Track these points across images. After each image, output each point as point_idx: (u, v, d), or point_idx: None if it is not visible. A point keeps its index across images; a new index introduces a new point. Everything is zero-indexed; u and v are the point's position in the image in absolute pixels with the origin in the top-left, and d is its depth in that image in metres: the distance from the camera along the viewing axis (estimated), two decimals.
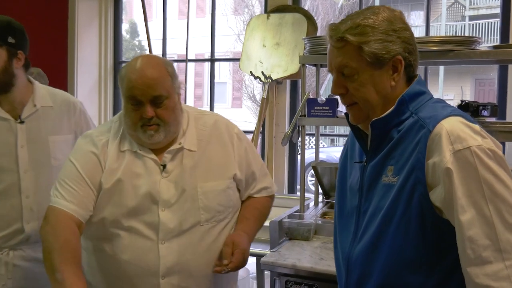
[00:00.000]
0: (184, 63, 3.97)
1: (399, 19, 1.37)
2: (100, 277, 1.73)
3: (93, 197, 1.68)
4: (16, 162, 2.07)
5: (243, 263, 1.71)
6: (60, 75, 3.96)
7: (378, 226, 1.35)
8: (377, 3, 11.85)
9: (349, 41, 1.33)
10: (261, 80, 3.54)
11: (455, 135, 1.23)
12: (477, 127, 1.27)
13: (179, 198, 1.69)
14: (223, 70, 13.93)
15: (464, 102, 2.41)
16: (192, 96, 14.11)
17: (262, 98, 3.50)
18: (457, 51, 2.36)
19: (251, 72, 3.59)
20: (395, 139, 1.35)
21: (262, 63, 3.59)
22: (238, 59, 3.75)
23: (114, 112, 4.32)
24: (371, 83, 1.35)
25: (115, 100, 4.41)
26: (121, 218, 1.68)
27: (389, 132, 1.37)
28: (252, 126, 3.65)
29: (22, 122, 2.09)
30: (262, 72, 3.54)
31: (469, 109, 2.37)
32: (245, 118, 11.02)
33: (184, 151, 1.73)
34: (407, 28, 1.37)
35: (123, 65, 4.46)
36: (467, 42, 2.40)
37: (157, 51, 4.28)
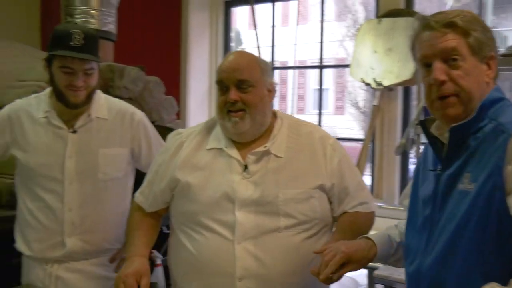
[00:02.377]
0: (286, 70, 3.97)
1: (485, 24, 1.39)
2: (181, 271, 1.76)
3: (164, 192, 1.80)
4: (62, 173, 2.02)
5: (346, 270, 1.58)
6: (173, 83, 4.12)
7: (452, 235, 1.30)
8: (490, 3, 11.19)
9: (458, 26, 1.31)
10: (372, 87, 3.45)
11: None
12: None
13: (257, 201, 1.66)
14: (325, 77, 13.86)
15: None
16: (295, 102, 14.18)
17: (373, 105, 3.40)
18: None
19: (361, 79, 3.50)
20: (473, 146, 1.31)
21: (373, 69, 3.49)
22: (344, 66, 3.68)
23: None
24: (474, 73, 1.32)
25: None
26: (198, 215, 1.69)
27: (467, 140, 1.32)
28: (354, 134, 3.57)
29: (74, 131, 2.03)
30: (374, 79, 3.44)
31: None
32: (347, 125, 10.88)
33: (270, 156, 1.71)
34: (492, 33, 1.38)
35: None
36: None
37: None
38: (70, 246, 2.03)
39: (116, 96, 2.90)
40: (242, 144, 1.73)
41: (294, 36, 3.89)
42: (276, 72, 16.61)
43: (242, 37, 15.69)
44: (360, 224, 1.78)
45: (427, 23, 1.35)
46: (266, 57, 4.07)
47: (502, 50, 2.67)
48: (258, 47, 3.78)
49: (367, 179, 3.78)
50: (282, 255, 1.66)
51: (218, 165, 1.72)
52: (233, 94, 1.65)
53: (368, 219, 1.81)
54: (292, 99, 12.63)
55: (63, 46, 1.90)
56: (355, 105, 11.72)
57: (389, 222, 1.69)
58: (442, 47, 1.32)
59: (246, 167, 1.70)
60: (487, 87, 1.34)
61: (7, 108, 2.12)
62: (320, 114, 4.13)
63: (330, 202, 1.76)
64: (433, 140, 1.43)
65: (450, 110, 1.33)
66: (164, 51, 4.22)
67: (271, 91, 1.74)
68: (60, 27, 1.99)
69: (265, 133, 1.75)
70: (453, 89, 1.32)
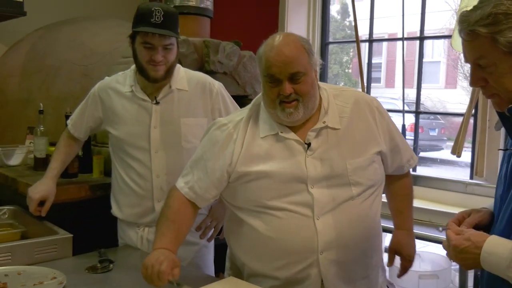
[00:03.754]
0: (394, 42, 3.85)
1: None
2: (255, 256, 1.79)
3: (217, 185, 1.78)
4: (148, 142, 2.14)
5: (408, 267, 1.93)
6: None
7: None
8: None
9: (481, 33, 1.25)
10: None
11: None
12: None
13: (328, 175, 1.70)
14: (437, 49, 13.16)
15: None
16: (400, 75, 13.70)
17: None
18: None
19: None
20: None
21: None
22: (450, 36, 3.50)
23: None
24: (510, 72, 1.27)
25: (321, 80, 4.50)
26: (268, 201, 1.71)
27: None
28: (466, 108, 3.39)
29: (157, 103, 2.15)
30: None
31: None
32: (459, 100, 10.31)
33: (328, 129, 1.73)
34: None
35: (330, 46, 4.54)
36: None
37: (364, 30, 4.23)
38: (159, 209, 2.11)
39: (211, 71, 3.05)
40: (296, 126, 1.74)
41: (400, 7, 3.75)
42: (384, 44, 16.03)
43: (349, 10, 15.33)
44: (410, 194, 1.99)
45: (459, 26, 1.31)
46: (364, 29, 4.00)
47: None
48: (355, 19, 3.70)
49: (467, 155, 3.61)
50: (357, 222, 1.74)
51: (279, 150, 1.73)
52: (288, 88, 1.64)
53: (411, 180, 2.01)
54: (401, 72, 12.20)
55: (144, 23, 2.03)
56: (468, 78, 11.05)
57: (490, 201, 1.66)
58: (471, 57, 1.31)
59: (309, 145, 1.70)
60: None
61: (96, 86, 2.30)
62: (419, 87, 3.98)
63: (383, 162, 1.83)
64: (505, 120, 1.37)
65: (498, 104, 1.34)
66: (261, 26, 4.27)
67: (317, 70, 1.73)
68: (143, 5, 2.11)
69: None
70: (491, 91, 1.32)
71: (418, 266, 3.07)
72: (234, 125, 1.78)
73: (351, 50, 13.39)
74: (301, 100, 1.67)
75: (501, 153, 3.36)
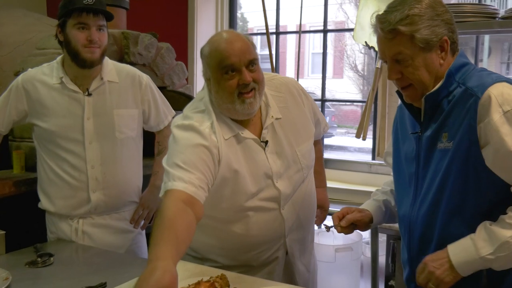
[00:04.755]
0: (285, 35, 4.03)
1: (439, 3, 1.52)
2: (231, 247, 1.85)
3: (207, 178, 1.61)
4: (82, 133, 2.15)
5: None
6: (181, 48, 4.22)
7: (438, 187, 1.51)
8: None
9: (401, 32, 1.47)
10: (375, 50, 3.57)
11: (502, 98, 1.39)
12: None
13: (286, 166, 1.81)
14: (320, 41, 13.77)
15: None
16: (290, 67, 14.21)
17: (376, 68, 3.52)
18: None
19: (365, 42, 3.62)
20: (447, 109, 1.49)
21: None
22: (347, 30, 3.76)
23: None
24: (424, 66, 1.49)
25: None
26: (245, 203, 1.75)
27: (440, 103, 1.51)
28: (353, 96, 3.70)
29: (89, 94, 2.16)
30: None
31: None
32: (346, 89, 10.96)
33: (273, 122, 1.79)
34: (447, 10, 1.52)
35: None
36: None
37: (255, 23, 4.40)
38: (95, 200, 2.19)
39: (131, 62, 3.06)
40: (245, 121, 1.75)
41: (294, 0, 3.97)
42: (281, 37, 16.55)
43: (240, 1, 15.54)
44: (322, 156, 2.24)
45: (377, 27, 1.52)
46: (271, 21, 4.16)
47: (502, 12, 2.79)
48: (265, 11, 3.86)
49: (353, 140, 3.94)
50: (307, 200, 1.92)
51: (242, 150, 1.73)
52: (248, 76, 1.64)
53: (321, 143, 2.27)
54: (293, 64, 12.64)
55: (77, 3, 2.03)
56: (354, 68, 11.78)
57: (388, 178, 1.95)
58: (390, 52, 1.52)
59: (266, 143, 1.77)
60: (441, 67, 1.51)
61: (20, 79, 2.23)
62: (324, 78, 4.25)
63: None
64: (409, 107, 1.61)
65: (410, 96, 1.56)
66: (172, 18, 4.31)
67: None
68: None
69: None
70: (406, 82, 1.54)
71: (332, 240, 3.32)
72: (206, 126, 1.70)
73: None
74: (257, 88, 1.69)
75: None
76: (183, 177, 1.55)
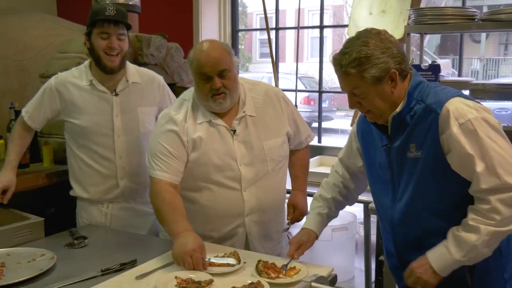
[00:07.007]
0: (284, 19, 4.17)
1: (385, 39, 1.65)
2: (192, 221, 2.05)
3: (182, 163, 2.08)
4: (112, 129, 2.45)
5: (301, 219, 2.27)
6: (188, 46, 4.42)
7: (413, 190, 1.73)
8: None
9: (351, 73, 1.63)
10: None
11: (457, 112, 1.58)
12: (471, 102, 1.62)
13: (250, 154, 2.12)
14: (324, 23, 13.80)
15: None
16: (291, 52, 14.26)
17: None
18: None
19: None
20: (412, 123, 1.67)
21: None
22: (343, 26, 3.94)
23: None
24: (377, 96, 1.66)
25: None
26: (209, 174, 2.10)
27: (404, 119, 1.71)
28: None
29: (117, 94, 2.45)
30: None
31: None
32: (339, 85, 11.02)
33: (246, 117, 2.13)
34: (393, 44, 1.65)
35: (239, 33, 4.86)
36: None
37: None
38: (122, 186, 2.50)
39: (144, 63, 3.33)
40: (221, 113, 2.12)
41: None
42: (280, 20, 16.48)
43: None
44: (306, 164, 2.42)
45: (334, 67, 1.70)
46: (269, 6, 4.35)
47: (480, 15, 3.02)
48: (265, 10, 4.08)
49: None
50: (272, 191, 2.24)
51: (213, 134, 2.10)
52: (218, 83, 2.00)
53: (308, 153, 2.44)
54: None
55: (101, 16, 2.34)
56: None
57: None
58: (346, 88, 1.69)
59: (234, 131, 2.12)
60: (395, 94, 1.66)
61: (52, 81, 2.51)
62: (321, 62, 4.50)
63: (289, 140, 2.28)
64: (374, 123, 1.80)
65: (371, 118, 1.77)
66: (179, 18, 4.56)
67: (237, 68, 2.11)
68: (96, 5, 2.41)
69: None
70: (365, 109, 1.72)
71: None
72: (181, 115, 2.11)
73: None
74: (228, 92, 2.04)
75: None
76: (164, 167, 2.05)
